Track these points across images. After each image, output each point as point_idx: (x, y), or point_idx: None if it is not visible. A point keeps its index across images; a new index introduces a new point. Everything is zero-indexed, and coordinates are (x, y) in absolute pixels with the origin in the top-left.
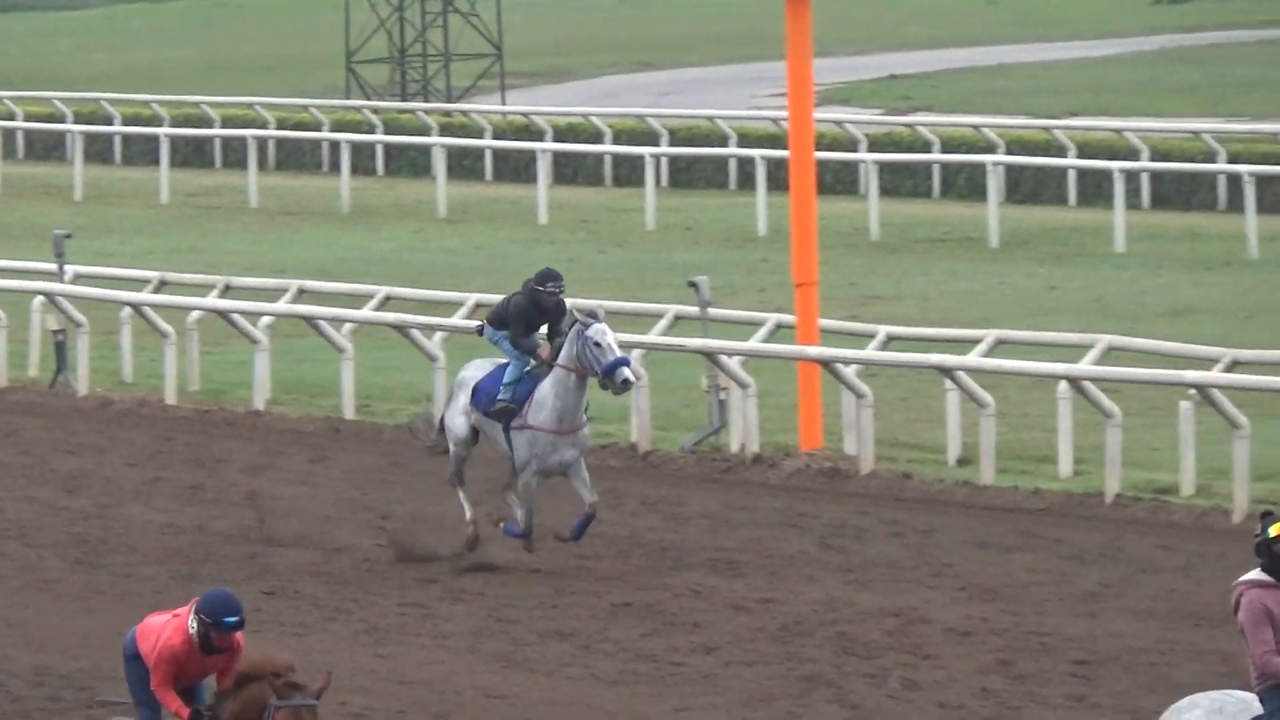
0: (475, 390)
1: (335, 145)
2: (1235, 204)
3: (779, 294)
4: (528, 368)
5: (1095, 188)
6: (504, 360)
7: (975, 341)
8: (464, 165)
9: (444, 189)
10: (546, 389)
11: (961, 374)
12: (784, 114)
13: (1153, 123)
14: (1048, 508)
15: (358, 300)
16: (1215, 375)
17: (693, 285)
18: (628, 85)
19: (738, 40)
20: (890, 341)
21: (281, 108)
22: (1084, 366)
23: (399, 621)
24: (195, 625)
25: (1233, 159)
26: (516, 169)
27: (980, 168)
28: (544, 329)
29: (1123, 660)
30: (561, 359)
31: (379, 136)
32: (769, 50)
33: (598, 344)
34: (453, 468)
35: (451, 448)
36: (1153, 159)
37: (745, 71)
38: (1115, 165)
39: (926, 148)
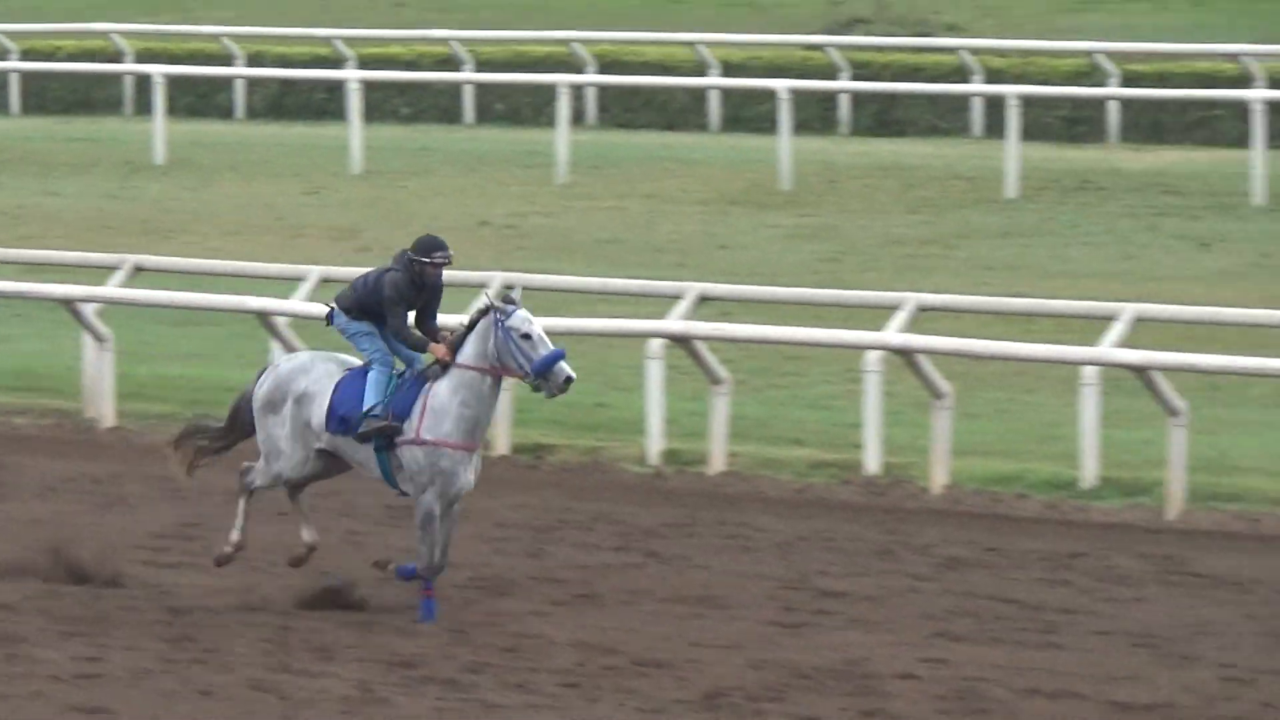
0: (331, 412)
1: None
2: None
3: None
4: (399, 369)
5: None
6: (349, 359)
7: None
8: None
9: None
10: (445, 395)
11: None
12: None
13: None
14: None
15: None
16: None
17: None
18: None
19: None
20: None
21: None
22: None
23: None
24: None
25: None
26: None
27: None
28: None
29: None
30: (468, 358)
31: None
32: None
33: (526, 335)
34: (261, 482)
35: (274, 471)
36: None
37: None
38: None
39: None
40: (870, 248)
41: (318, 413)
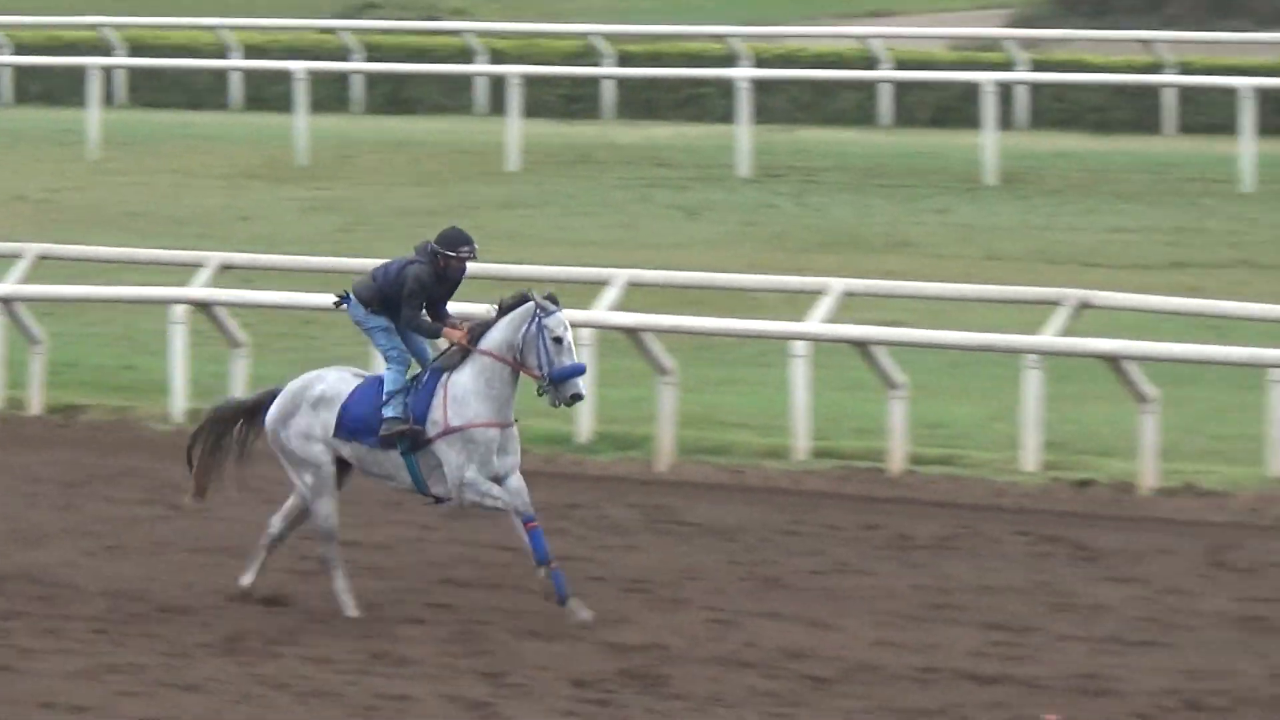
0: (343, 417)
1: None
2: None
3: None
4: (409, 371)
5: None
6: (361, 371)
7: None
8: None
9: None
10: (465, 382)
11: None
12: None
13: None
14: None
15: None
16: None
17: None
18: None
19: None
20: None
21: None
22: None
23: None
24: None
25: None
26: None
27: None
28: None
29: None
30: (493, 345)
31: None
32: None
33: (558, 339)
34: (322, 521)
35: (310, 481)
36: None
37: None
38: None
39: None
40: (381, 218)
41: (330, 419)
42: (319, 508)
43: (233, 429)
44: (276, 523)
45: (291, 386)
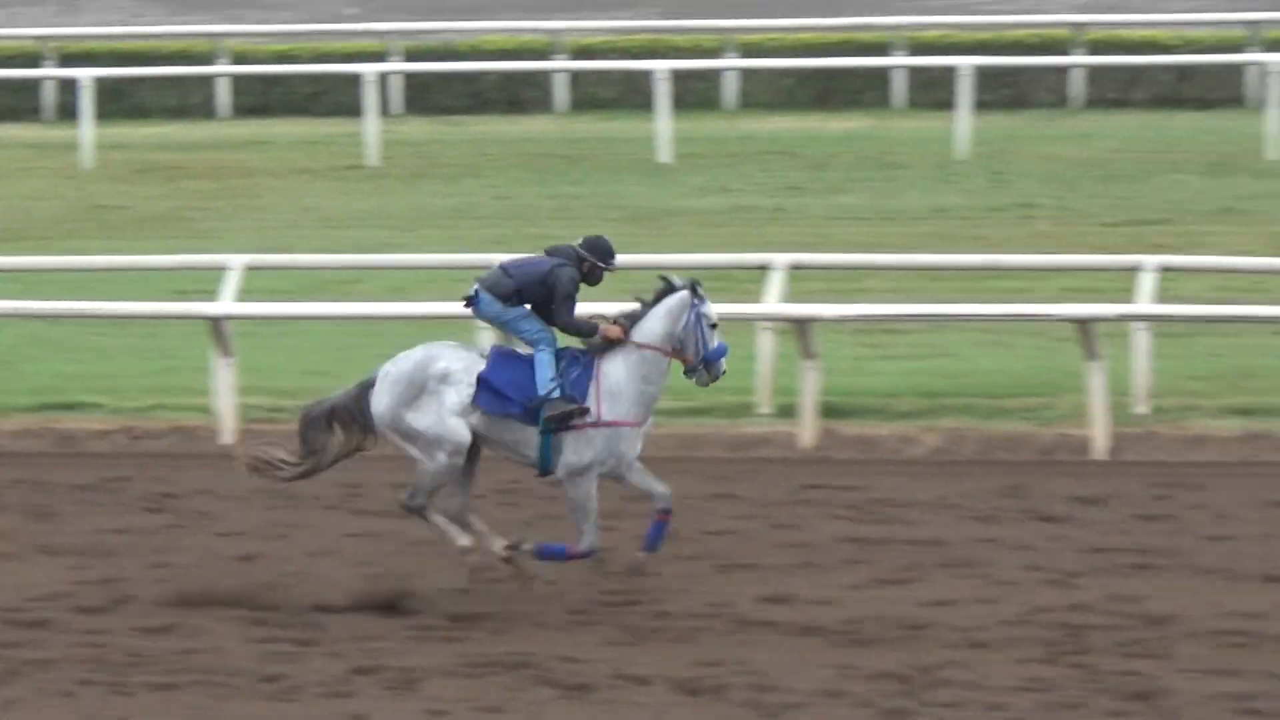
0: (487, 387)
1: None
2: None
3: None
4: (552, 353)
5: None
6: (473, 345)
7: None
8: None
9: None
10: (620, 374)
11: None
12: None
13: None
14: None
15: None
16: None
17: None
18: None
19: None
20: None
21: None
22: None
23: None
24: None
25: None
26: None
27: None
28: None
29: None
30: (652, 337)
31: None
32: None
33: (714, 325)
34: (429, 484)
35: (443, 460)
36: None
37: None
38: None
39: None
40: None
41: (463, 392)
42: (431, 473)
43: (327, 433)
44: (473, 524)
45: (401, 369)
